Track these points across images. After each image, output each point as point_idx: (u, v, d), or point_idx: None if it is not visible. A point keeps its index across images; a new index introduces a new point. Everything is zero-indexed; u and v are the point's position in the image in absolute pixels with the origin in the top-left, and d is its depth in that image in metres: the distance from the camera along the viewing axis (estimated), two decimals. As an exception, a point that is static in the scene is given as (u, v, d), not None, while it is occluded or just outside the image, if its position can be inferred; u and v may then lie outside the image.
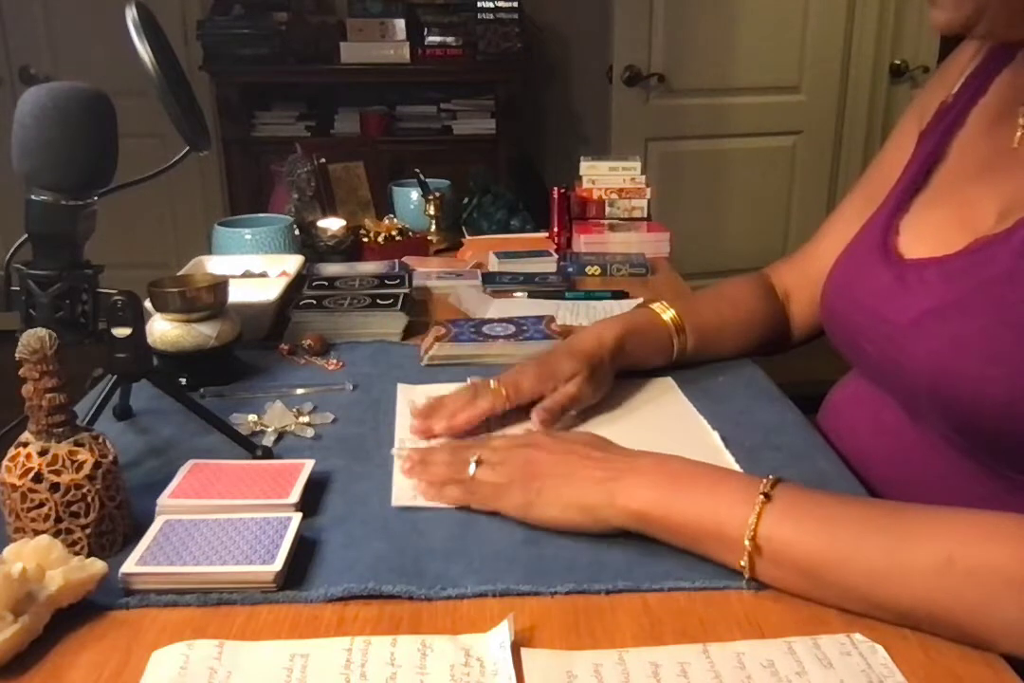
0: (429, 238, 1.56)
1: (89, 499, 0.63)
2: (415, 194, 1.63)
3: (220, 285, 0.95)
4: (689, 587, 0.62)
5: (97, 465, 0.64)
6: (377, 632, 0.57)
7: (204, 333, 0.94)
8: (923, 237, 0.78)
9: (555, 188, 1.52)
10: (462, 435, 0.83)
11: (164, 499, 0.70)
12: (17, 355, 0.61)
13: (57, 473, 0.62)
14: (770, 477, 0.63)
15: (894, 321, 0.75)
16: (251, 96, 3.19)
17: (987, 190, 0.75)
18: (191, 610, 0.60)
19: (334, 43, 3.09)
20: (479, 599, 0.61)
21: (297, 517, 0.66)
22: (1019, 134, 0.75)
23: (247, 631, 0.58)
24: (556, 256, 1.43)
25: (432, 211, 1.58)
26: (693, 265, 2.36)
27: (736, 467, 0.77)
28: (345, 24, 3.13)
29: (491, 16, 3.11)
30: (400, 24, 3.11)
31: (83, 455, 0.63)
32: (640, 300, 1.23)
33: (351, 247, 1.45)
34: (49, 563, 0.58)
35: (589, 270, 1.39)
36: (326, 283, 1.21)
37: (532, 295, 1.26)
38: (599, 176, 1.65)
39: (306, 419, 0.87)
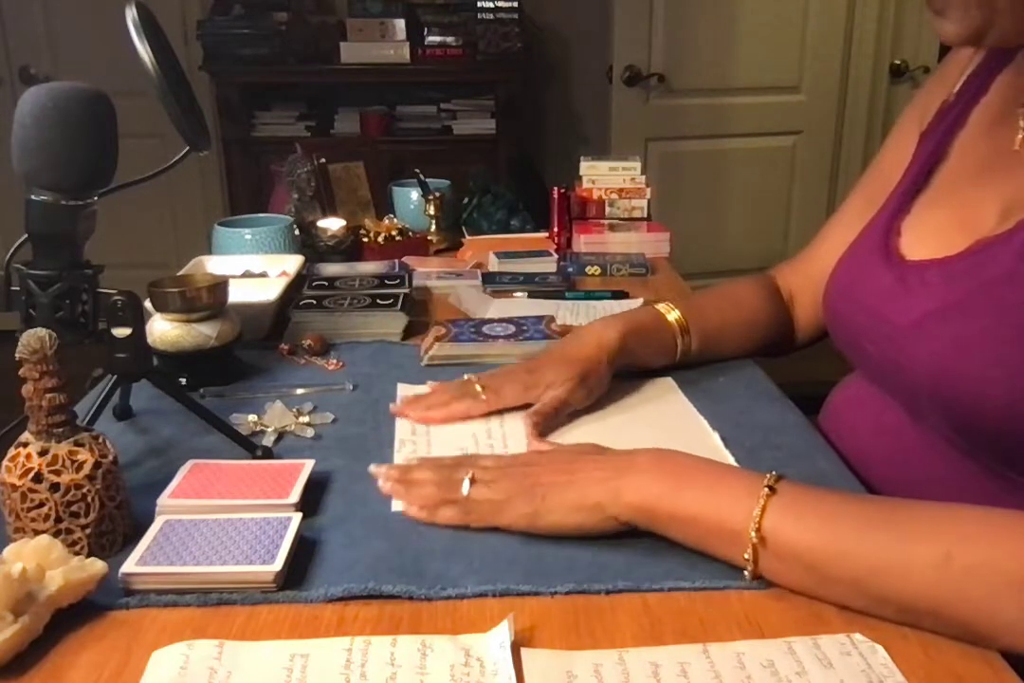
0: (429, 238, 1.56)
1: (89, 499, 0.63)
2: (415, 194, 1.63)
3: (220, 285, 0.95)
4: (689, 587, 0.62)
5: (97, 465, 0.64)
6: (377, 632, 0.57)
7: (204, 333, 0.94)
8: (924, 238, 0.78)
9: (555, 188, 1.52)
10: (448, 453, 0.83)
11: (164, 499, 0.70)
12: (17, 355, 0.61)
13: (57, 473, 0.62)
14: (773, 473, 0.63)
15: (895, 322, 0.75)
16: (251, 96, 3.19)
17: (988, 191, 0.75)
18: (191, 610, 0.60)
19: (334, 43, 3.09)
20: (479, 599, 0.61)
21: (297, 517, 0.66)
22: (1020, 136, 0.74)
23: (247, 631, 0.58)
24: (556, 256, 1.43)
25: (432, 211, 1.58)
26: (693, 265, 2.36)
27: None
28: (345, 24, 3.13)
29: (491, 16, 3.11)
30: (400, 24, 3.11)
31: (83, 455, 0.63)
32: (640, 300, 1.23)
33: (351, 247, 1.45)
34: (49, 563, 0.58)
35: (589, 270, 1.39)
36: (326, 283, 1.21)
37: (532, 295, 1.26)
38: (599, 176, 1.65)
39: (306, 419, 0.87)
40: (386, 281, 1.22)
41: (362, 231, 1.48)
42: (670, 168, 3.07)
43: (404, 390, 0.94)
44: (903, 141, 0.89)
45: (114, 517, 0.66)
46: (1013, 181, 0.73)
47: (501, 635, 0.55)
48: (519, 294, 1.27)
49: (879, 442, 0.81)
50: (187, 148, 0.79)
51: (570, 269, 1.39)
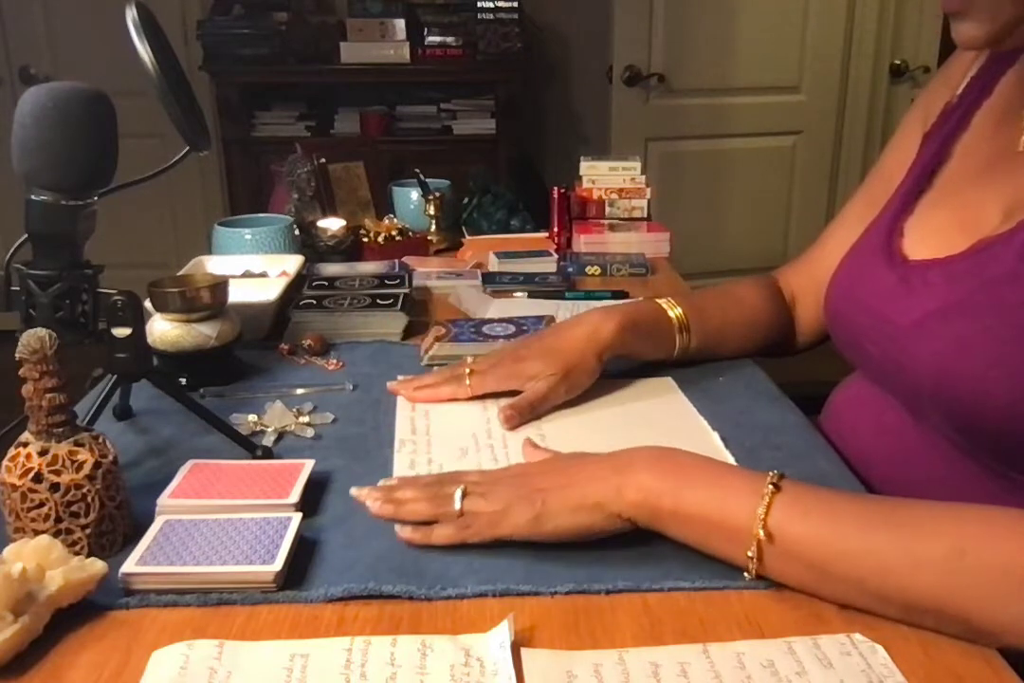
0: (429, 238, 1.56)
1: (89, 499, 0.63)
2: (415, 194, 1.63)
3: (220, 285, 0.95)
4: (689, 587, 0.62)
5: (97, 465, 0.64)
6: (377, 632, 0.57)
7: (204, 333, 0.94)
8: (927, 239, 0.78)
9: (555, 188, 1.52)
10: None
11: (164, 499, 0.70)
12: (17, 355, 0.61)
13: (57, 473, 0.62)
14: (774, 472, 0.62)
15: (897, 322, 0.75)
16: (251, 96, 3.19)
17: (991, 192, 0.75)
18: (191, 610, 0.60)
19: (334, 43, 3.09)
20: (479, 599, 0.61)
21: (297, 517, 0.66)
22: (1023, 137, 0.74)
23: (247, 631, 0.58)
24: (556, 256, 1.43)
25: (432, 211, 1.57)
26: (693, 265, 2.36)
27: (736, 467, 0.77)
28: (345, 24, 3.13)
29: (491, 16, 3.11)
30: (400, 24, 3.11)
31: (83, 455, 0.63)
32: (640, 300, 1.23)
33: (351, 247, 1.45)
34: (49, 563, 0.58)
35: (589, 270, 1.39)
36: (326, 283, 1.21)
37: (532, 295, 1.26)
38: (599, 176, 1.65)
39: (306, 419, 0.87)
40: (386, 281, 1.22)
41: (362, 231, 1.48)
42: (670, 168, 3.07)
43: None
44: (906, 143, 0.89)
45: (114, 517, 0.66)
46: (1015, 182, 0.73)
47: (501, 635, 0.55)
48: (519, 294, 1.27)
49: (880, 442, 0.81)
50: (187, 148, 0.79)
51: (570, 269, 1.39)
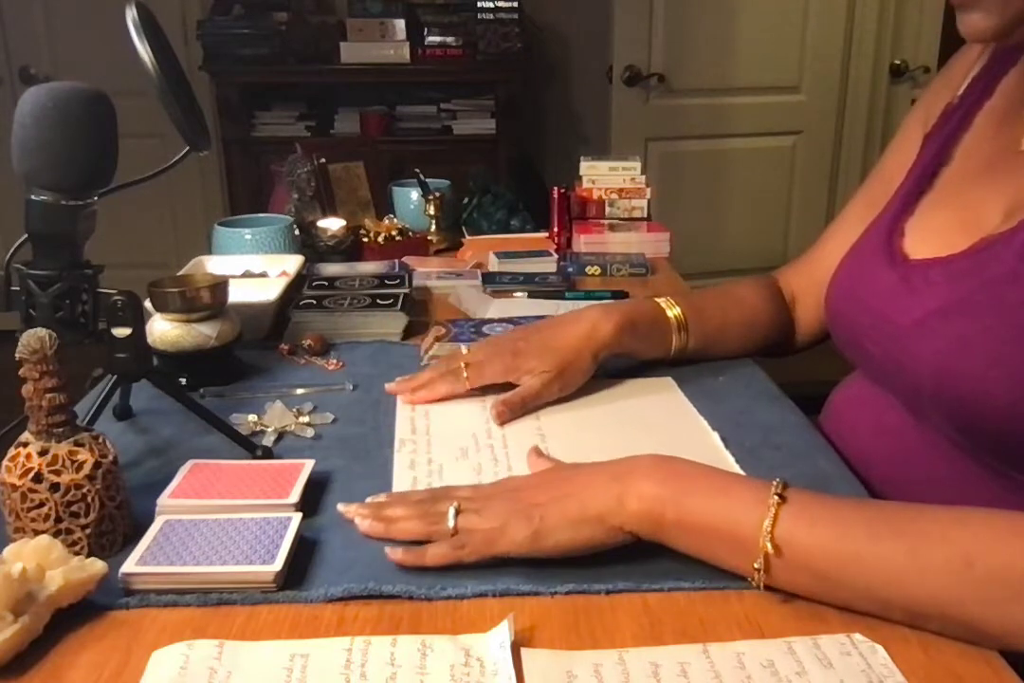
0: (429, 238, 1.56)
1: (89, 499, 0.63)
2: (415, 194, 1.63)
3: (220, 285, 0.95)
4: (689, 587, 0.62)
5: (97, 465, 0.64)
6: (377, 632, 0.57)
7: (204, 333, 0.94)
8: (928, 239, 0.78)
9: (555, 188, 1.52)
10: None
11: (164, 499, 0.70)
12: (17, 355, 0.61)
13: (57, 473, 0.62)
14: (778, 480, 0.61)
15: (898, 321, 0.75)
16: (251, 96, 3.20)
17: (992, 191, 0.75)
18: (191, 610, 0.60)
19: (334, 43, 3.10)
20: (479, 599, 0.61)
21: (297, 517, 0.66)
22: None
23: (247, 631, 0.58)
24: (556, 256, 1.43)
25: (432, 211, 1.58)
26: (693, 265, 2.36)
27: (736, 467, 0.77)
28: (345, 24, 3.13)
29: (491, 16, 3.11)
30: (400, 24, 3.11)
31: (83, 455, 0.63)
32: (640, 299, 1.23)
33: (351, 247, 1.45)
34: (49, 563, 0.58)
35: (589, 270, 1.39)
36: (326, 283, 1.21)
37: (532, 295, 1.26)
38: (599, 176, 1.65)
39: (306, 419, 0.87)
40: (386, 281, 1.22)
41: (362, 231, 1.48)
42: (670, 168, 3.07)
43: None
44: (907, 144, 0.89)
45: (114, 517, 0.66)
46: (1017, 181, 0.73)
47: (501, 635, 0.55)
48: (519, 294, 1.27)
49: (880, 442, 0.81)
50: (187, 148, 0.79)
51: (570, 269, 1.39)
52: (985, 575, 0.54)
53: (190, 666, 0.54)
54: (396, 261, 1.36)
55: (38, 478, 0.62)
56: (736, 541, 0.60)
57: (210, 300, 0.94)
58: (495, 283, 1.30)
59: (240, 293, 1.03)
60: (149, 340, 0.86)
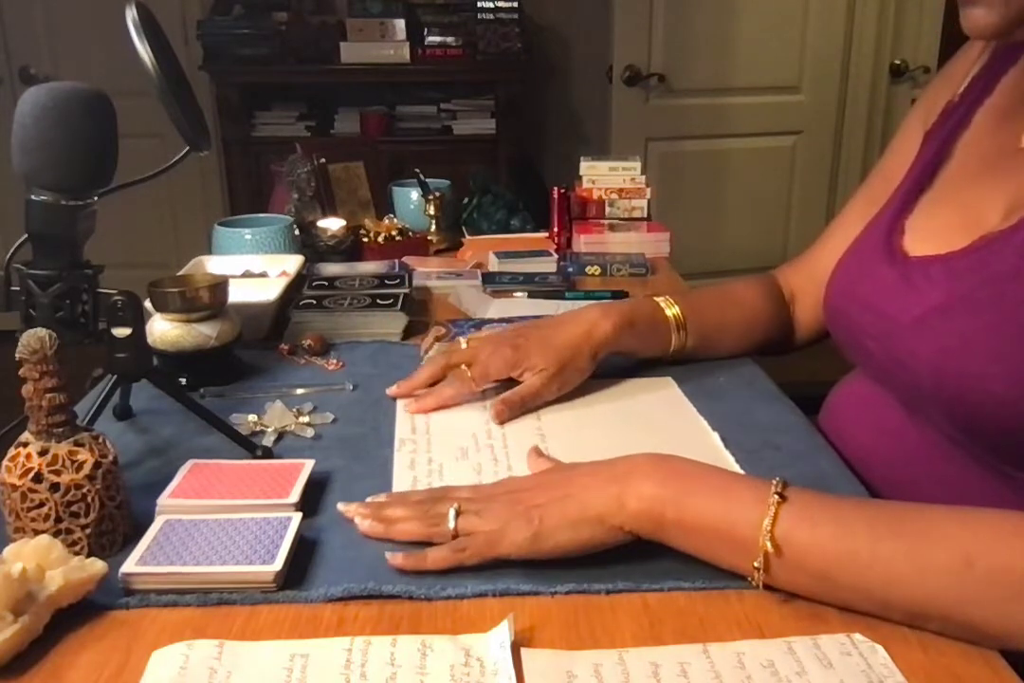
0: (429, 238, 1.56)
1: (89, 499, 0.63)
2: (415, 194, 1.63)
3: (220, 285, 0.95)
4: (689, 587, 0.62)
5: (97, 465, 0.64)
6: (377, 632, 0.57)
7: (204, 333, 0.94)
8: (928, 236, 0.78)
9: (555, 188, 1.52)
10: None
11: (164, 499, 0.70)
12: (17, 355, 0.61)
13: (57, 473, 0.62)
14: (778, 479, 0.61)
15: (898, 319, 0.75)
16: (251, 96, 3.20)
17: (992, 189, 0.74)
18: (191, 610, 0.60)
19: (334, 43, 3.10)
20: (479, 599, 0.61)
21: (297, 517, 0.66)
22: None
23: (247, 631, 0.58)
24: (556, 256, 1.43)
25: (432, 211, 1.58)
26: (693, 265, 2.36)
27: (736, 467, 0.77)
28: (345, 24, 3.13)
29: (491, 16, 3.12)
30: (400, 24, 3.11)
31: (83, 455, 0.63)
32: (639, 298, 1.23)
33: (351, 247, 1.45)
34: (49, 563, 0.58)
35: (589, 270, 1.39)
36: (326, 283, 1.21)
37: (532, 295, 1.26)
38: (599, 176, 1.65)
39: (306, 419, 0.87)
40: (386, 281, 1.22)
41: (362, 231, 1.48)
42: (670, 168, 3.07)
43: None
44: (907, 142, 0.89)
45: (114, 517, 0.66)
46: (1017, 179, 0.73)
47: (501, 635, 0.55)
48: (519, 294, 1.27)
49: (879, 442, 0.81)
50: (187, 148, 0.79)
51: (570, 269, 1.39)
52: (985, 575, 0.54)
53: (190, 666, 0.54)
54: (396, 261, 1.36)
55: (38, 478, 0.62)
56: (736, 541, 0.60)
57: (210, 300, 0.94)
58: (495, 283, 1.30)
59: (240, 293, 1.03)
60: (149, 340, 0.86)
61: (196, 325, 0.93)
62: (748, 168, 3.22)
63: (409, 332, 1.12)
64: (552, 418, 0.89)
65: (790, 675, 0.53)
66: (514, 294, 1.27)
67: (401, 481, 0.76)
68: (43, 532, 0.62)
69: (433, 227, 1.58)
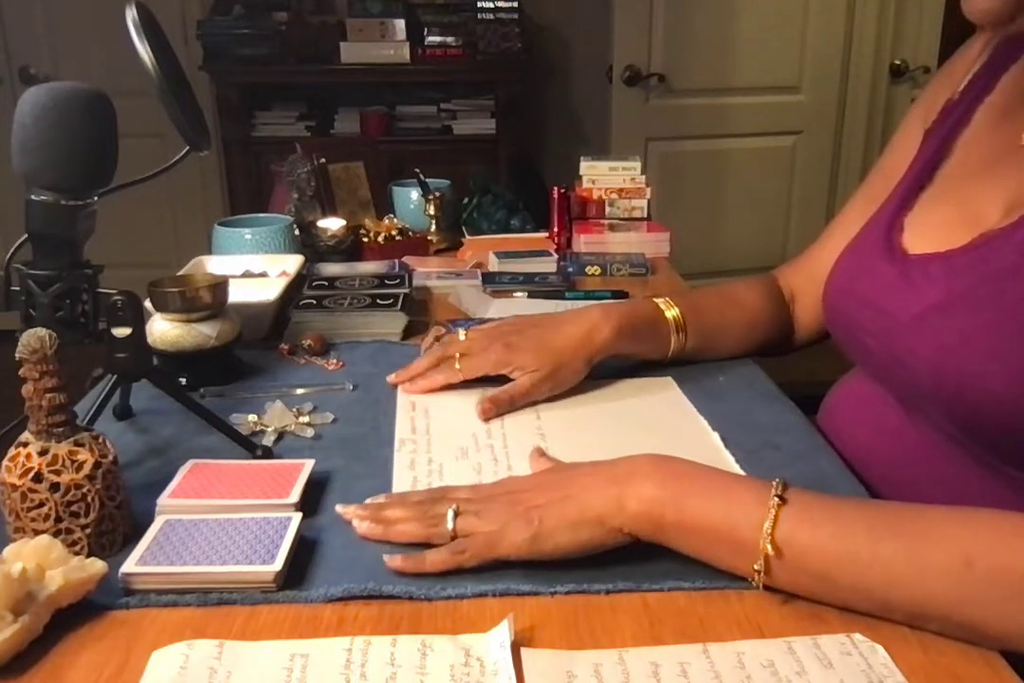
0: (429, 238, 1.56)
1: (89, 499, 0.63)
2: (415, 194, 1.63)
3: (220, 285, 0.95)
4: (689, 587, 0.62)
5: (97, 465, 0.64)
6: (377, 632, 0.57)
7: (204, 333, 0.94)
8: (927, 234, 0.78)
9: (555, 188, 1.52)
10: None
11: (164, 499, 0.70)
12: (17, 355, 0.61)
13: (57, 473, 0.62)
14: (778, 480, 0.61)
15: (897, 316, 0.75)
16: (251, 96, 3.20)
17: (992, 187, 0.74)
18: (191, 610, 0.60)
19: (334, 43, 3.10)
20: (479, 599, 0.61)
21: (297, 517, 0.66)
22: None
23: (247, 631, 0.58)
24: (556, 256, 1.43)
25: (432, 211, 1.57)
26: (693, 265, 2.36)
27: (736, 467, 0.77)
28: (345, 24, 3.13)
29: (491, 16, 3.12)
30: (400, 24, 3.11)
31: (83, 455, 0.63)
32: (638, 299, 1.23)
33: (351, 247, 1.45)
34: (49, 563, 0.58)
35: (589, 270, 1.39)
36: (326, 283, 1.21)
37: (532, 295, 1.26)
38: (599, 176, 1.65)
39: (306, 419, 0.87)
40: (386, 281, 1.22)
41: (362, 231, 1.48)
42: (670, 168, 3.07)
43: (404, 390, 0.95)
44: (907, 140, 0.89)
45: (114, 517, 0.66)
46: (1017, 177, 0.73)
47: (501, 635, 0.55)
48: (519, 294, 1.27)
49: (878, 441, 0.81)
50: (187, 148, 0.79)
51: (570, 269, 1.39)
52: (985, 575, 0.54)
53: (190, 666, 0.54)
54: (396, 261, 1.36)
55: (38, 478, 0.62)
56: (736, 542, 0.60)
57: (210, 300, 0.94)
58: (495, 283, 1.30)
59: (240, 293, 1.03)
60: (149, 340, 0.86)
61: (196, 325, 0.93)
62: (748, 168, 3.22)
63: (409, 332, 1.12)
64: (552, 418, 0.89)
65: (790, 675, 0.53)
66: (514, 294, 1.27)
67: (401, 481, 0.76)
68: (43, 532, 0.62)
69: (433, 227, 1.58)
